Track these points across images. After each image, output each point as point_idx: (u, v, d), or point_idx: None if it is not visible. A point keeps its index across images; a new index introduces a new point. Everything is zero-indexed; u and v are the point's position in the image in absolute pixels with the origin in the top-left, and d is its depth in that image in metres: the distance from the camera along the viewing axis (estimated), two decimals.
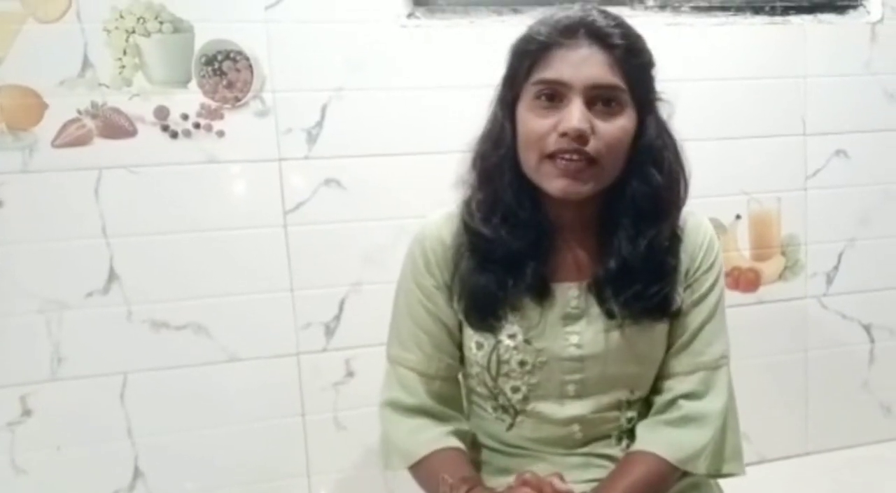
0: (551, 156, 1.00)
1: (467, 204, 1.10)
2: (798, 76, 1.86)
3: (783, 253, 1.90)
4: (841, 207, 1.92)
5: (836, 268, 1.94)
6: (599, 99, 0.99)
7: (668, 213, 1.06)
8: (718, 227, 1.83)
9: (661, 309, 1.08)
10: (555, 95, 1.00)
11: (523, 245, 1.05)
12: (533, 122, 1.01)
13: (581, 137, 0.97)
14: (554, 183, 1.01)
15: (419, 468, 1.09)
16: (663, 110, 1.08)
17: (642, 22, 1.72)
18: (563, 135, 0.98)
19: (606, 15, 1.02)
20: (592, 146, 0.98)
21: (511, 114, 1.06)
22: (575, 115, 0.97)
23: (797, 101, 1.86)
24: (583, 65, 0.98)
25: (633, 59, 1.00)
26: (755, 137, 1.84)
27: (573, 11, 1.02)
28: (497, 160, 1.06)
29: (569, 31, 0.99)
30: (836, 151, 1.90)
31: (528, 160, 1.03)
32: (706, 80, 1.80)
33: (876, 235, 1.95)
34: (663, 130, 1.07)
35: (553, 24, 1.01)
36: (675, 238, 1.09)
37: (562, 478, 0.97)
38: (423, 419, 1.12)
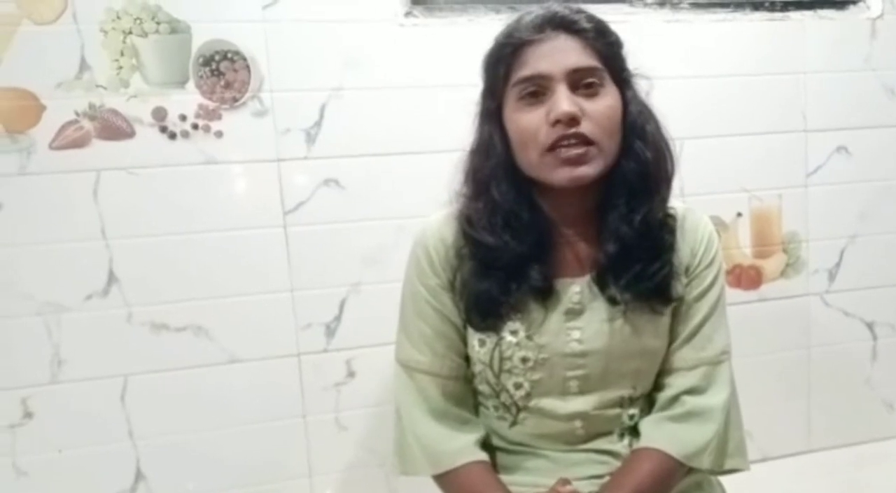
0: (551, 148, 1.01)
1: (466, 217, 1.11)
2: (798, 72, 1.85)
3: (785, 250, 1.89)
4: (842, 203, 1.92)
5: (837, 265, 1.93)
6: (581, 82, 1.02)
7: (658, 187, 1.08)
8: (719, 224, 1.82)
9: (662, 291, 1.09)
10: (538, 90, 1.02)
11: (527, 248, 1.07)
12: (523, 119, 1.03)
13: (573, 120, 1.00)
14: (559, 173, 1.03)
15: (446, 478, 1.11)
16: (641, 88, 1.10)
17: (641, 19, 1.74)
18: (556, 123, 1.00)
19: (566, 6, 1.05)
20: (586, 127, 1.01)
21: (498, 123, 1.08)
22: (562, 100, 1.00)
23: (797, 97, 1.85)
24: (557, 54, 1.01)
25: (602, 39, 1.04)
26: (755, 134, 1.84)
27: (534, 11, 1.05)
28: (490, 170, 1.08)
29: (536, 28, 1.03)
30: (836, 147, 1.90)
31: (529, 159, 1.04)
32: (706, 76, 1.79)
33: (878, 231, 1.95)
34: (643, 106, 1.09)
35: (520, 27, 1.04)
36: (668, 217, 1.11)
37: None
38: (446, 425, 1.13)
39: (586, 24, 1.03)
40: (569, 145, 1.01)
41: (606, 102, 1.03)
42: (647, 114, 1.09)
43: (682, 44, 1.77)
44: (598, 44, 1.03)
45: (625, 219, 1.06)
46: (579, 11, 1.04)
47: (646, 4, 1.75)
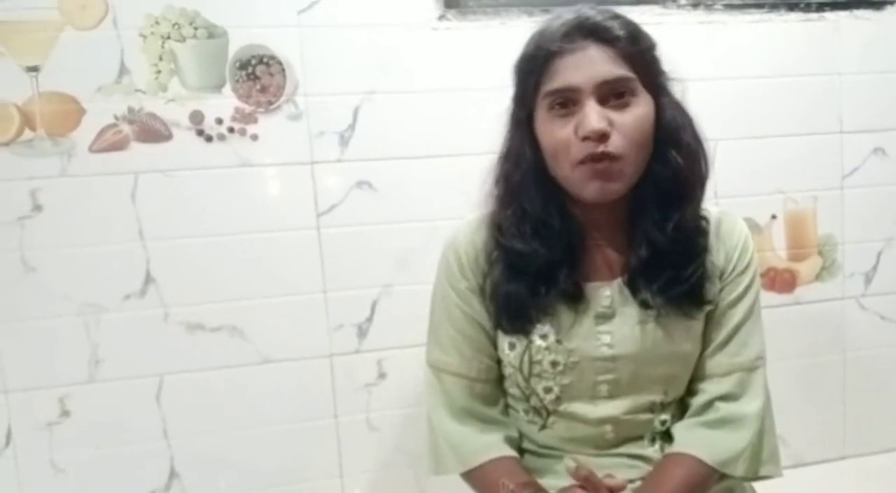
0: (582, 162, 1.01)
1: (496, 225, 1.11)
2: (834, 73, 1.83)
3: (820, 253, 1.87)
4: (879, 205, 1.89)
5: (874, 268, 1.91)
6: (612, 93, 1.00)
7: (692, 192, 1.07)
8: (754, 227, 1.81)
9: (696, 295, 1.08)
10: (568, 102, 1.01)
11: (556, 254, 1.06)
12: (554, 132, 1.02)
13: (602, 137, 0.98)
14: (588, 188, 1.02)
15: (475, 474, 1.12)
16: (676, 89, 1.08)
17: (675, 20, 1.73)
18: (585, 139, 0.99)
19: (598, 10, 1.03)
20: (615, 143, 0.99)
21: (528, 131, 1.07)
22: (591, 116, 0.98)
23: (833, 98, 1.83)
24: (587, 65, 0.99)
25: (635, 46, 1.01)
26: (791, 136, 1.82)
27: (564, 17, 1.03)
28: (520, 177, 1.08)
29: (566, 37, 1.00)
30: (873, 149, 1.87)
31: (560, 170, 1.04)
32: (740, 78, 1.78)
33: None
34: (678, 110, 1.07)
35: (550, 34, 1.02)
36: (702, 219, 1.10)
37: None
38: (473, 424, 1.14)
39: (618, 32, 1.00)
40: (599, 160, 1.00)
41: (637, 113, 1.01)
42: (681, 119, 1.07)
43: (716, 45, 1.76)
44: (630, 51, 1.00)
45: (657, 225, 1.05)
46: (611, 17, 1.02)
47: (679, 6, 1.75)
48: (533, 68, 1.03)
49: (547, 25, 1.04)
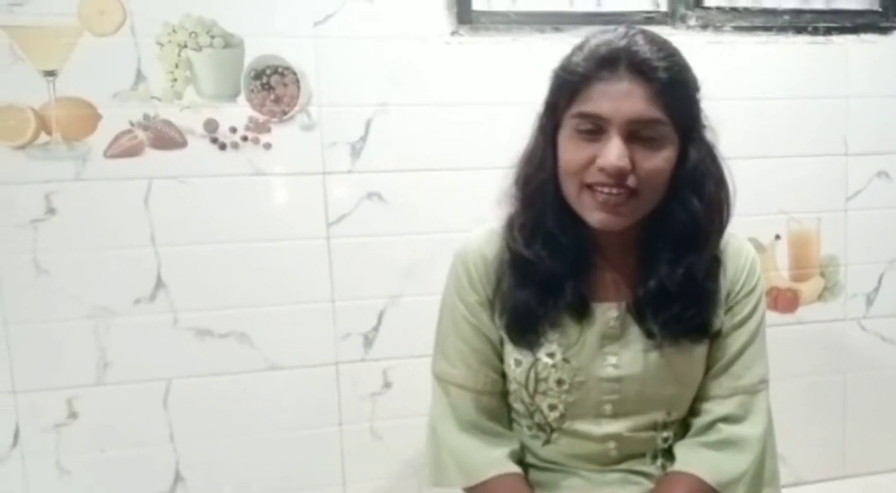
0: (590, 186, 0.99)
1: (509, 226, 1.10)
2: (840, 96, 1.85)
3: (822, 274, 1.88)
4: (882, 228, 1.91)
5: (876, 290, 1.92)
6: (640, 132, 0.97)
7: (708, 240, 1.05)
8: (757, 246, 1.82)
9: (700, 331, 1.07)
10: (594, 129, 0.98)
11: (561, 266, 1.06)
12: (572, 153, 1.00)
13: (620, 174, 0.96)
14: (593, 215, 1.00)
15: (478, 490, 1.11)
16: (709, 136, 1.06)
17: (684, 41, 1.72)
18: (602, 170, 0.97)
19: (650, 41, 0.98)
20: (632, 180, 0.97)
21: (553, 139, 1.05)
22: (613, 151, 0.95)
23: (839, 121, 1.85)
24: (623, 99, 0.95)
25: (676, 90, 0.97)
26: (796, 157, 1.84)
27: (615, 37, 0.98)
28: (538, 184, 1.06)
29: (609, 63, 0.96)
30: (877, 172, 1.89)
31: (568, 189, 1.03)
32: (747, 99, 1.80)
33: None
34: (707, 157, 1.04)
35: (594, 55, 0.98)
36: (715, 262, 1.08)
37: None
38: (479, 438, 1.13)
39: (662, 74, 0.95)
40: (609, 193, 0.98)
41: (662, 156, 0.98)
42: (708, 166, 1.04)
43: (724, 65, 1.78)
44: (669, 95, 0.96)
45: (669, 264, 1.04)
46: (663, 55, 0.97)
47: (688, 27, 1.77)
48: (568, 84, 1.00)
49: (595, 39, 1.00)
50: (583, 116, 0.98)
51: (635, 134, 0.97)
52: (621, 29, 1.01)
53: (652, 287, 1.05)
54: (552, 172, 1.05)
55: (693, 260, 1.04)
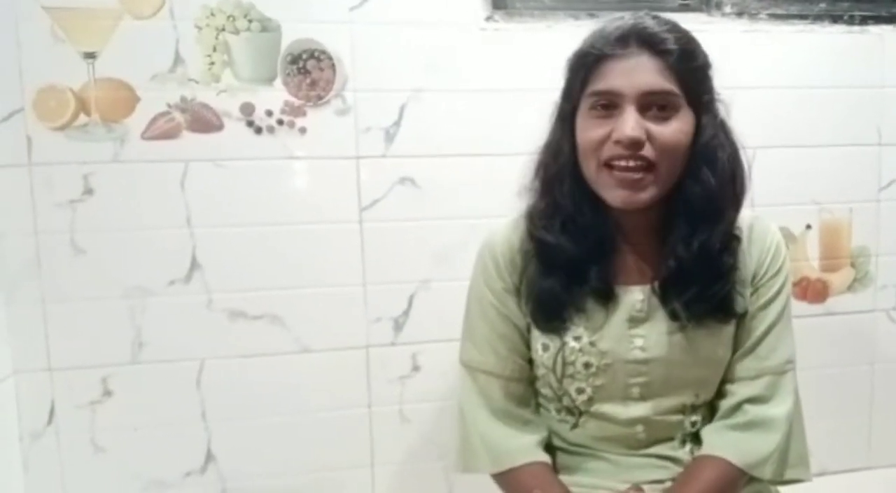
0: (608, 164, 1.02)
1: (530, 213, 1.13)
2: (875, 86, 1.83)
3: (853, 264, 1.88)
4: None
5: None
6: (654, 105, 1.00)
7: (723, 214, 1.07)
8: (788, 236, 1.82)
9: (724, 310, 1.09)
10: (609, 105, 1.01)
11: (584, 250, 1.07)
12: (589, 131, 1.03)
13: (636, 145, 0.99)
14: (612, 194, 1.03)
15: (506, 476, 1.13)
16: (721, 110, 1.08)
17: (719, 28, 1.74)
18: (618, 142, 0.99)
19: (658, 20, 1.03)
20: (648, 151, 1.00)
21: (570, 125, 1.07)
22: (628, 123, 0.99)
23: (873, 110, 1.84)
24: (635, 73, 0.99)
25: (686, 62, 1.01)
26: (829, 146, 1.83)
27: (625, 20, 1.03)
28: (557, 170, 1.09)
29: (620, 41, 1.01)
30: None
31: (588, 169, 1.05)
32: (782, 87, 1.79)
33: None
34: (720, 131, 1.07)
35: (605, 36, 1.02)
36: (732, 238, 1.09)
37: None
38: (508, 426, 1.15)
39: (671, 46, 1.00)
40: (627, 167, 1.00)
41: (675, 127, 1.01)
42: (721, 140, 1.06)
43: (759, 54, 1.77)
44: (680, 67, 1.00)
45: (684, 241, 1.06)
46: (669, 28, 1.02)
47: (724, 14, 1.76)
48: (583, 66, 1.04)
49: (605, 26, 1.05)
50: (598, 93, 1.02)
51: (649, 107, 1.00)
52: (629, 14, 1.05)
53: (672, 267, 1.07)
54: (570, 157, 1.08)
55: (707, 235, 1.05)
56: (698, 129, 1.04)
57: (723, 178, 1.05)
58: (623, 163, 1.00)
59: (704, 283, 1.06)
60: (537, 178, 1.13)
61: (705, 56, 1.05)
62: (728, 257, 1.08)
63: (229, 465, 1.66)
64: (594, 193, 1.07)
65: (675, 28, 1.03)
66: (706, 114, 1.05)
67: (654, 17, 1.04)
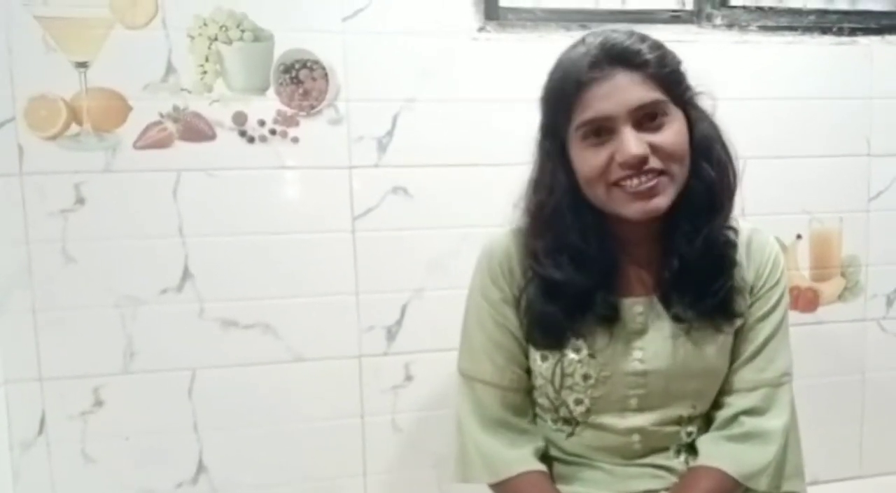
0: (618, 184, 1.01)
1: (532, 252, 1.10)
2: (864, 97, 1.85)
3: (843, 274, 1.89)
4: None
5: None
6: (646, 117, 1.00)
7: (722, 204, 1.08)
8: (779, 245, 1.81)
9: (725, 309, 1.09)
10: (602, 130, 1.00)
11: (593, 279, 1.06)
12: (590, 160, 1.02)
13: (642, 161, 0.99)
14: (630, 208, 1.02)
15: (504, 487, 1.12)
16: (704, 103, 1.08)
17: (709, 40, 1.76)
18: (624, 164, 0.99)
19: (620, 33, 1.02)
20: (655, 163, 1.00)
21: (561, 159, 1.06)
22: (630, 143, 0.98)
23: (862, 121, 1.85)
24: (618, 92, 0.98)
25: (662, 67, 1.01)
26: (819, 157, 1.84)
27: (587, 43, 1.01)
28: (555, 205, 1.07)
29: (594, 66, 0.98)
30: None
31: (596, 194, 1.04)
32: (771, 98, 1.80)
33: None
34: (707, 123, 1.08)
35: (576, 64, 1.00)
36: (731, 230, 1.10)
37: None
38: (504, 435, 1.15)
39: (646, 56, 0.99)
40: (639, 182, 1.00)
41: (673, 131, 1.01)
42: (711, 131, 1.07)
43: (749, 65, 1.78)
44: (658, 74, 1.00)
45: (687, 237, 1.06)
46: (637, 39, 1.01)
47: (714, 26, 1.77)
48: (561, 99, 1.02)
49: (571, 53, 1.03)
50: (587, 122, 1.00)
51: (642, 120, 1.00)
52: (584, 35, 1.04)
53: (675, 266, 1.07)
54: (567, 190, 1.06)
55: (709, 228, 1.06)
56: (690, 126, 1.04)
57: (719, 168, 1.06)
58: (634, 181, 1.00)
59: (707, 279, 1.07)
60: (535, 218, 1.10)
61: (675, 56, 1.05)
62: (730, 251, 1.09)
63: (221, 475, 1.65)
64: (596, 218, 1.07)
65: (641, 37, 1.02)
66: (693, 110, 1.06)
67: (615, 31, 1.02)
